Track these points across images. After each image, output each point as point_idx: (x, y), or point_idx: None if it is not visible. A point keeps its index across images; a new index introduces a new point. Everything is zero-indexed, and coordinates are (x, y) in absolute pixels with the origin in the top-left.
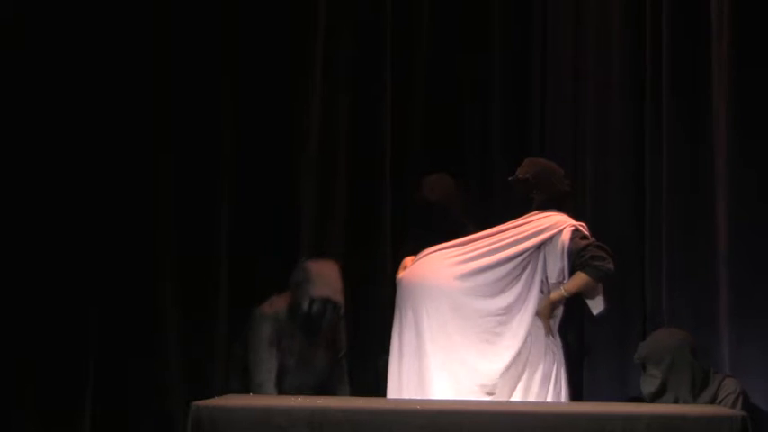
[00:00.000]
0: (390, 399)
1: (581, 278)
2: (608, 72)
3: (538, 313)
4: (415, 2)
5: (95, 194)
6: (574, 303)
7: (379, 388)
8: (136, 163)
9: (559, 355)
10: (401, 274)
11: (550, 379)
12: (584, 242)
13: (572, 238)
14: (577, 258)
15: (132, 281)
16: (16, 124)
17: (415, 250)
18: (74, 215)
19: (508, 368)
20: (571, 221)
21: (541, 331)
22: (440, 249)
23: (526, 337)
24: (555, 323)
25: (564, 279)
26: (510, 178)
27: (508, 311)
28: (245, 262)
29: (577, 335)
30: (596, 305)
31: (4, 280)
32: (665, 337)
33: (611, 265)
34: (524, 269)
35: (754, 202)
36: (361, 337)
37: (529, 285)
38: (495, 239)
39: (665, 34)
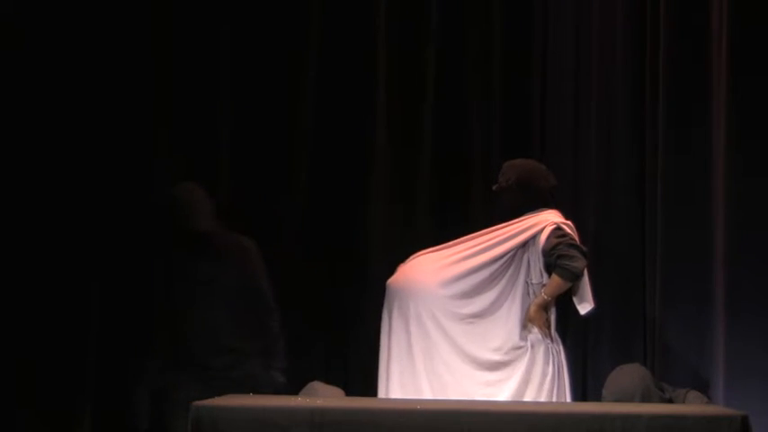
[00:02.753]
0: (390, 399)
1: (554, 279)
2: (609, 71)
3: (530, 320)
4: (414, 1)
5: (94, 193)
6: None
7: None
8: (137, 162)
9: (559, 358)
10: (389, 280)
11: (552, 382)
12: (557, 241)
13: (548, 237)
14: (548, 258)
15: (134, 279)
16: (15, 120)
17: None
18: (73, 214)
19: (497, 370)
20: (554, 219)
21: (536, 335)
22: (427, 253)
23: (516, 339)
24: (551, 325)
25: (544, 279)
26: (494, 187)
27: (490, 312)
28: None
29: (580, 336)
30: (583, 304)
31: (4, 280)
32: (626, 378)
33: (578, 264)
34: (507, 269)
35: (754, 206)
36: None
37: (512, 285)
38: (480, 240)
39: (665, 35)
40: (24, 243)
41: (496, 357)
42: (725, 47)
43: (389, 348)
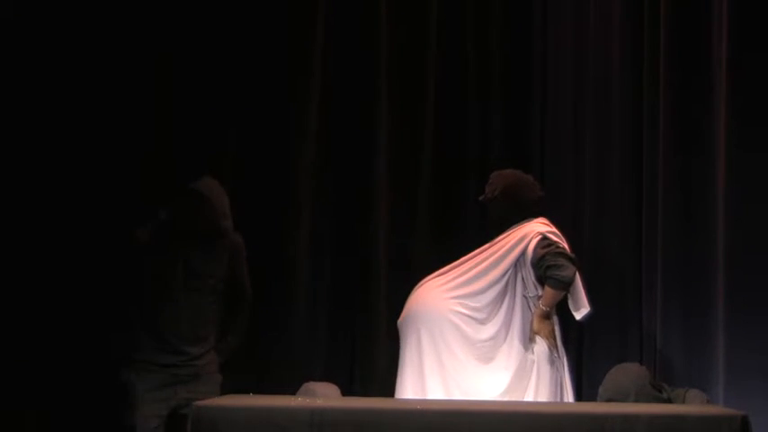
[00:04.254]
0: (390, 399)
1: (547, 290)
2: (608, 71)
3: (536, 332)
4: (414, 1)
5: (91, 193)
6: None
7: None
8: (135, 164)
9: (563, 368)
10: (399, 319)
11: (556, 390)
12: (543, 251)
13: (535, 249)
14: (538, 270)
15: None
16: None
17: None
18: (75, 218)
19: (508, 391)
20: (539, 229)
21: (542, 347)
22: (430, 279)
23: (523, 356)
24: (557, 336)
25: (539, 291)
26: (480, 198)
27: (500, 334)
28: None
29: (575, 340)
30: (579, 310)
31: (5, 280)
32: (623, 376)
33: (567, 272)
34: (507, 290)
35: (754, 206)
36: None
37: (513, 304)
38: (478, 260)
39: (664, 35)
40: (28, 243)
41: (507, 378)
42: (725, 47)
43: (403, 375)
